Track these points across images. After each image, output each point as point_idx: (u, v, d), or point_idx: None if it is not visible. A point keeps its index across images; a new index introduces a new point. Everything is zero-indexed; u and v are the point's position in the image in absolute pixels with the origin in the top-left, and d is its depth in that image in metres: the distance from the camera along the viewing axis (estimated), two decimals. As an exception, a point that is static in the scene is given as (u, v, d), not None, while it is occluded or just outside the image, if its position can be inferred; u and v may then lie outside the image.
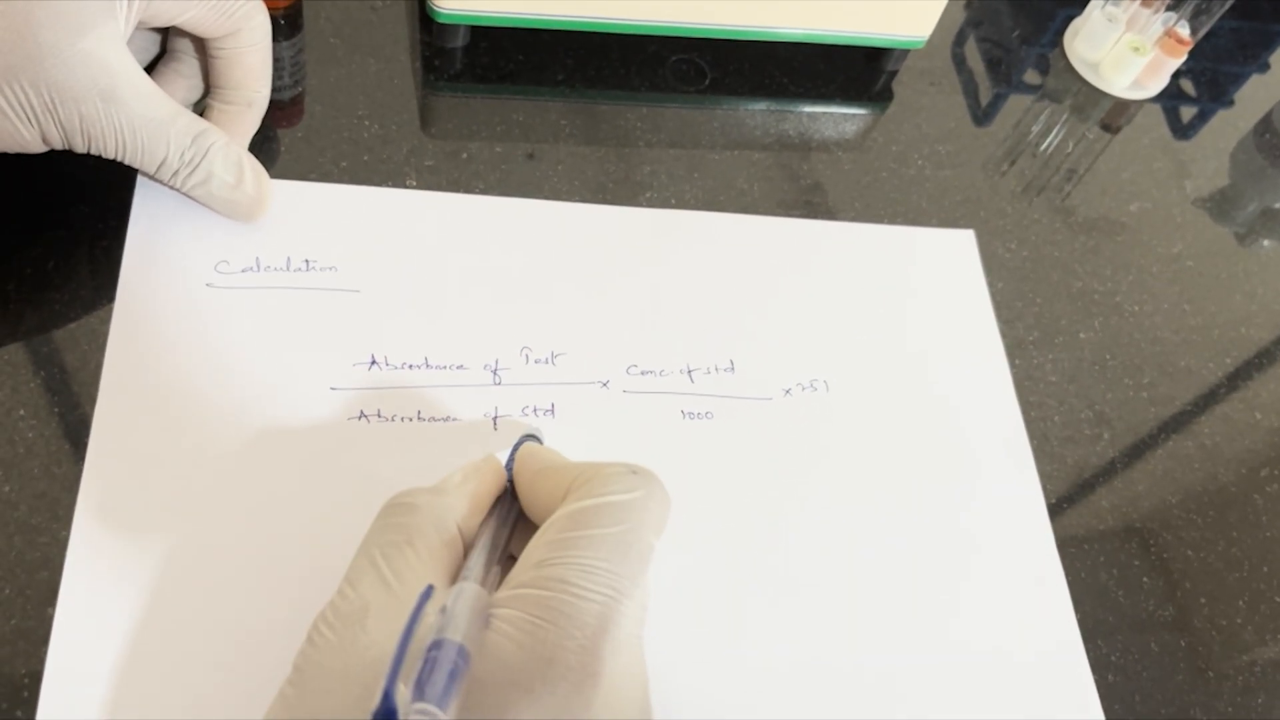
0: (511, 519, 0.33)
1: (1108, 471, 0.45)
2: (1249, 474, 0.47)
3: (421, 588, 0.28)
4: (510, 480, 0.34)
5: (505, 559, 0.32)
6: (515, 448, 0.35)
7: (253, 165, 0.40)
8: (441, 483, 0.32)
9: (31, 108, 0.34)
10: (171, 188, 0.39)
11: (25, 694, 0.32)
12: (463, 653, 0.25)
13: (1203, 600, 0.43)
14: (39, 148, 0.36)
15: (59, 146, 0.37)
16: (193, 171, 0.38)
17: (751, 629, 0.38)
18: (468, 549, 0.31)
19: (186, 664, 0.33)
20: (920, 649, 0.38)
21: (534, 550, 0.29)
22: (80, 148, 0.36)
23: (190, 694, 0.32)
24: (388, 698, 0.23)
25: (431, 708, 0.23)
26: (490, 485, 0.33)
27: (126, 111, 0.36)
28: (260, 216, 0.41)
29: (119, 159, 0.37)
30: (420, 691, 0.23)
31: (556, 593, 0.27)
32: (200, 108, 0.42)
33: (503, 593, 0.28)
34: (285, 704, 0.27)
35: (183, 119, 0.38)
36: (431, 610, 0.26)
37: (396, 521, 0.30)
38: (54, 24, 0.34)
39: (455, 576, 0.30)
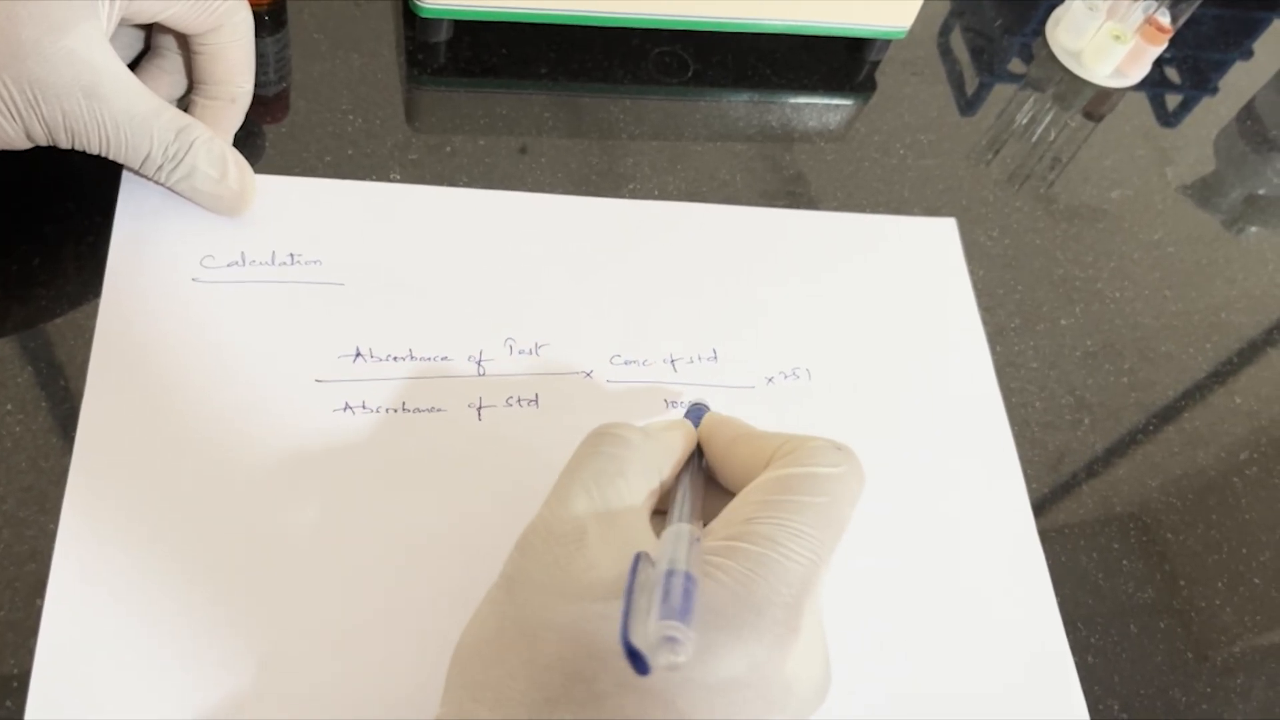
0: (702, 479, 0.35)
1: (1088, 456, 0.46)
2: (1228, 458, 0.47)
3: (632, 520, 0.30)
4: (697, 446, 0.35)
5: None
6: (689, 414, 0.37)
7: (236, 160, 0.40)
8: (649, 427, 0.34)
9: (14, 104, 0.35)
10: (156, 182, 0.40)
11: (15, 684, 0.32)
12: (693, 580, 0.26)
13: (1182, 583, 0.43)
14: (23, 144, 0.37)
15: (44, 143, 0.37)
16: (176, 166, 0.39)
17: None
18: (667, 498, 0.33)
19: (174, 654, 0.33)
20: (901, 632, 0.39)
21: (740, 509, 0.30)
22: (65, 144, 0.37)
23: (178, 684, 0.33)
24: (627, 624, 0.25)
25: (677, 624, 0.24)
26: (682, 441, 0.34)
27: (109, 107, 0.36)
28: (244, 211, 0.41)
29: (103, 154, 0.38)
30: (667, 610, 0.25)
31: (767, 550, 0.28)
32: (184, 104, 0.43)
33: (713, 543, 0.29)
34: (496, 608, 0.29)
35: (166, 114, 0.38)
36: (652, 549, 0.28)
37: (609, 451, 0.32)
38: (36, 21, 0.34)
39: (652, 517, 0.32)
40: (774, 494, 0.30)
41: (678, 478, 0.34)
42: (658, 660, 0.24)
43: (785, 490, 0.30)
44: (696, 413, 0.37)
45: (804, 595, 0.28)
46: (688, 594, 0.25)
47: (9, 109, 0.35)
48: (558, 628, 0.27)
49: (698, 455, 0.35)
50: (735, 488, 0.33)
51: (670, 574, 0.26)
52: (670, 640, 0.24)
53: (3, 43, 0.34)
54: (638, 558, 0.27)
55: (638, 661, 0.24)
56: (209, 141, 0.39)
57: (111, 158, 0.38)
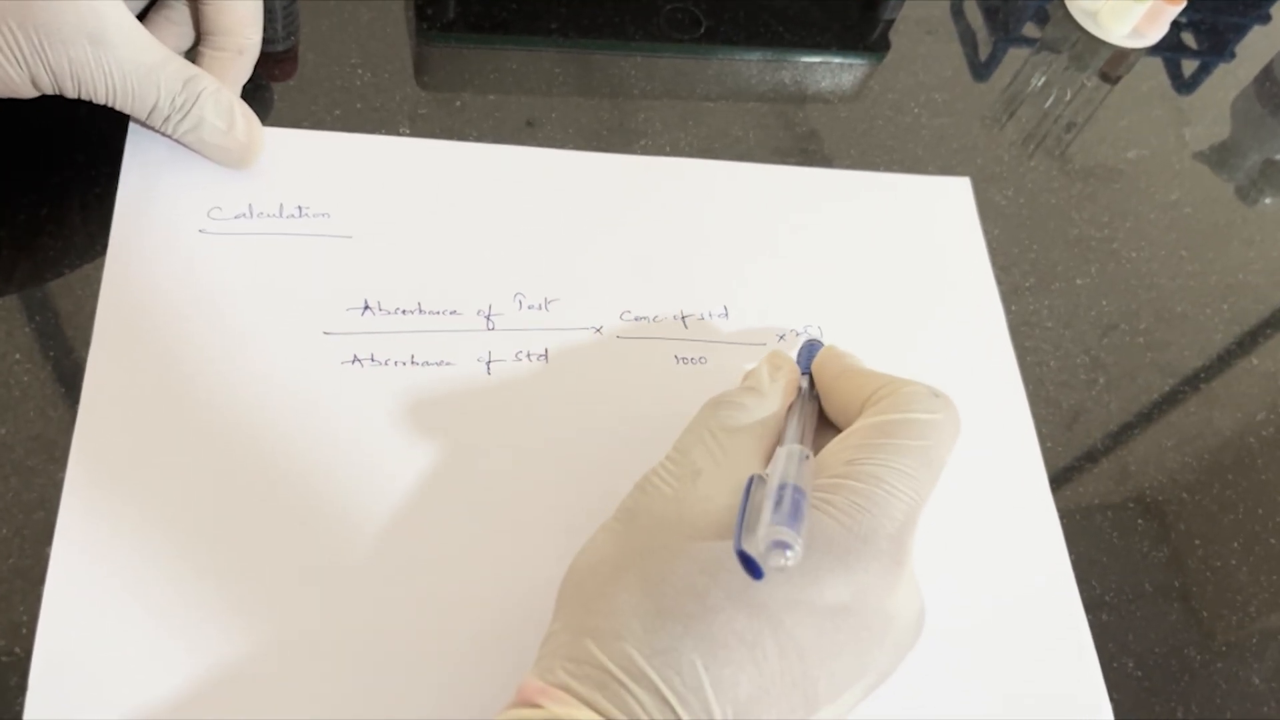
0: (814, 408, 0.36)
1: (1103, 416, 0.45)
2: (1244, 418, 0.47)
3: (745, 466, 0.32)
4: (809, 377, 0.37)
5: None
6: (801, 353, 0.37)
7: (244, 111, 0.40)
8: (753, 381, 0.35)
9: (20, 50, 0.35)
10: (163, 134, 0.39)
11: (23, 631, 0.32)
12: (801, 492, 0.28)
13: (1197, 542, 0.43)
14: (29, 92, 0.36)
15: (50, 91, 0.36)
16: (184, 117, 0.38)
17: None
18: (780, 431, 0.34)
19: (180, 602, 0.33)
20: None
21: (842, 450, 0.31)
22: (71, 92, 0.36)
23: (184, 632, 0.33)
24: (740, 533, 0.27)
25: (785, 529, 0.26)
26: (793, 381, 0.36)
27: (116, 56, 0.36)
28: (252, 163, 0.41)
29: (109, 104, 0.37)
30: (778, 517, 0.27)
31: (872, 486, 0.29)
32: (191, 55, 0.42)
33: (819, 481, 0.30)
34: (612, 537, 0.31)
35: (173, 64, 0.38)
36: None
37: (726, 414, 0.33)
38: None
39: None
40: (874, 438, 0.31)
41: (790, 407, 0.35)
42: (769, 563, 0.26)
43: (885, 434, 0.31)
44: (810, 350, 0.38)
45: (907, 530, 0.29)
46: (796, 504, 0.27)
47: (15, 55, 0.35)
48: (672, 548, 0.29)
49: (810, 386, 0.37)
50: (838, 421, 0.35)
51: (781, 486, 0.28)
52: (779, 544, 0.26)
53: None
54: (752, 478, 0.29)
55: (750, 566, 0.27)
56: (217, 93, 0.39)
57: (118, 108, 0.38)
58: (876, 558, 0.28)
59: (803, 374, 0.37)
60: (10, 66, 0.35)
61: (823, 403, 0.36)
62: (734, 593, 0.27)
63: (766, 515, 0.27)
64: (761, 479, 0.29)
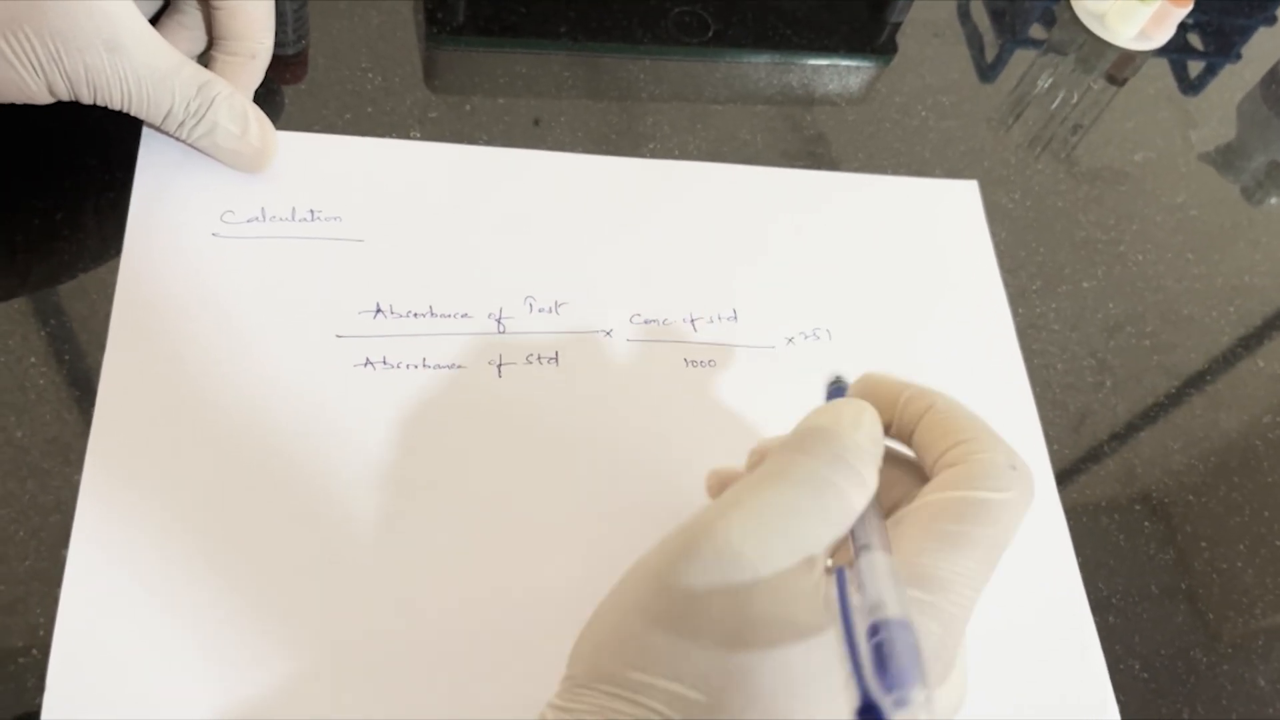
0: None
1: (1109, 418, 0.45)
2: (1250, 420, 0.47)
3: (816, 565, 0.27)
4: None
5: None
6: (831, 395, 0.33)
7: (258, 116, 0.40)
8: (864, 442, 0.29)
9: (36, 57, 0.35)
10: (177, 139, 0.40)
11: (41, 632, 0.32)
12: (907, 625, 0.24)
13: (1203, 544, 0.43)
14: (45, 98, 0.37)
15: (66, 98, 0.37)
16: (198, 122, 0.39)
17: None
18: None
19: (196, 602, 0.33)
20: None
21: (910, 535, 0.28)
22: (87, 99, 0.37)
23: (200, 632, 0.33)
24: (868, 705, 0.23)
25: (914, 693, 0.23)
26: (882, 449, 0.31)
27: (131, 61, 0.36)
28: (265, 167, 0.41)
29: (125, 109, 0.38)
30: (890, 682, 0.23)
31: (938, 598, 0.27)
32: (204, 60, 0.42)
33: None
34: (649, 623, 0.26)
35: (188, 69, 0.38)
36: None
37: (841, 488, 0.28)
38: None
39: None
40: (943, 523, 0.28)
41: None
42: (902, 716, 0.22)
43: (955, 519, 0.28)
44: (837, 391, 0.33)
45: (956, 640, 0.27)
46: (911, 644, 0.23)
47: (31, 62, 0.35)
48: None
49: None
50: (903, 442, 0.31)
51: (879, 626, 0.23)
52: (903, 703, 0.22)
53: None
54: (841, 576, 0.25)
55: (872, 713, 0.23)
56: (230, 97, 0.39)
57: (133, 113, 0.38)
58: (935, 681, 0.26)
59: None
60: (26, 73, 0.35)
61: (895, 427, 0.32)
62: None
63: (872, 666, 0.23)
64: (852, 584, 0.25)
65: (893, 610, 0.24)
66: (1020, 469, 0.29)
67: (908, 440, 0.31)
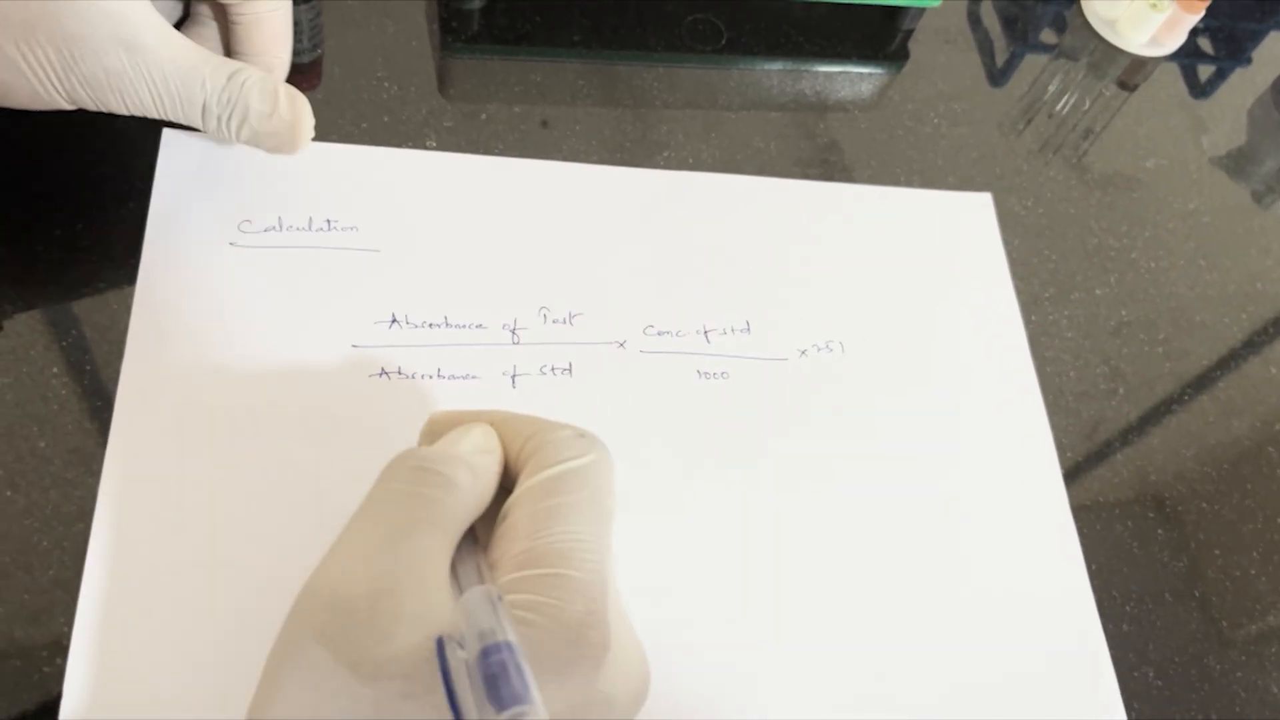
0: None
1: (1123, 426, 0.45)
2: (1263, 428, 0.47)
3: (434, 570, 0.27)
4: None
5: None
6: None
7: (289, 91, 0.38)
8: (463, 451, 0.30)
9: (51, 64, 0.34)
10: (218, 137, 0.38)
11: (65, 642, 0.32)
12: (514, 648, 0.24)
13: (1216, 552, 0.43)
14: (66, 105, 0.36)
15: (91, 106, 0.36)
16: (233, 112, 0.37)
17: (764, 589, 0.38)
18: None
19: (212, 611, 0.34)
20: (933, 604, 0.39)
21: (516, 527, 0.29)
22: (116, 106, 0.36)
23: (217, 642, 0.33)
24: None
25: (524, 709, 0.23)
26: (499, 462, 0.31)
27: (155, 59, 0.35)
28: (303, 144, 0.39)
29: (158, 113, 0.36)
30: (509, 695, 0.23)
31: (559, 567, 0.27)
32: None
33: (507, 576, 0.28)
34: (277, 688, 0.26)
35: (214, 60, 0.36)
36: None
37: (429, 496, 0.28)
38: None
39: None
40: (539, 501, 0.29)
41: None
42: None
43: (548, 494, 0.29)
44: None
45: (604, 604, 0.27)
46: (518, 667, 0.23)
47: (47, 70, 0.34)
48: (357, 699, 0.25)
49: None
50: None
51: (492, 649, 0.24)
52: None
53: (35, 2, 0.33)
54: (440, 642, 0.25)
55: None
56: (261, 80, 0.37)
57: (166, 115, 0.37)
58: (587, 653, 0.26)
59: None
60: (40, 82, 0.34)
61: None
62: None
63: (483, 692, 0.23)
64: (454, 641, 0.25)
65: (491, 637, 0.24)
66: (588, 436, 0.30)
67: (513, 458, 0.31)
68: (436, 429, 0.32)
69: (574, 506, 0.28)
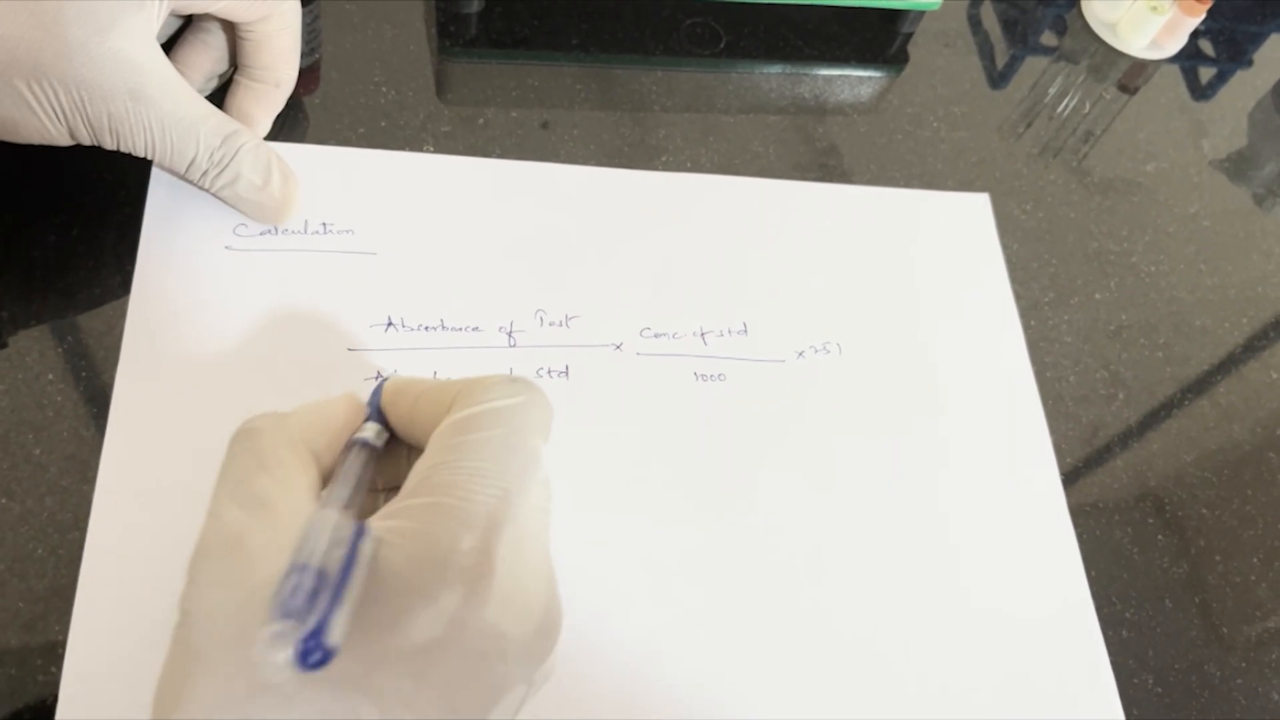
0: (376, 450, 0.32)
1: (1123, 431, 0.45)
2: (1264, 433, 0.47)
3: (292, 508, 0.28)
4: (380, 415, 0.33)
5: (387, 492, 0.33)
6: (372, 397, 0.34)
7: (281, 168, 0.40)
8: (293, 410, 0.32)
9: (60, 105, 0.34)
10: (199, 187, 0.39)
11: (60, 650, 0.32)
12: (319, 572, 0.24)
13: (1217, 558, 0.43)
14: (66, 142, 0.36)
15: (88, 143, 0.36)
16: (221, 171, 0.38)
17: (760, 590, 0.38)
18: (327, 478, 0.31)
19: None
20: (930, 607, 0.39)
21: (422, 460, 0.29)
22: (110, 145, 0.36)
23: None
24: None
25: (285, 625, 0.23)
26: (342, 412, 0.32)
27: (156, 110, 0.36)
28: (284, 221, 0.41)
29: (148, 157, 0.37)
30: (277, 609, 0.24)
31: (442, 498, 0.27)
32: (227, 84, 0.42)
33: (393, 504, 0.28)
34: (177, 646, 0.27)
35: (214, 119, 0.38)
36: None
37: (245, 447, 0.30)
38: (83, 21, 0.34)
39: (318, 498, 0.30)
40: (450, 437, 0.29)
41: (341, 455, 0.31)
42: (264, 669, 0.24)
43: (460, 431, 0.29)
44: (377, 393, 0.34)
45: (492, 534, 0.27)
46: (307, 590, 0.24)
47: (55, 110, 0.35)
48: (232, 643, 0.26)
49: (375, 428, 0.33)
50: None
51: (290, 569, 0.24)
52: (277, 641, 0.23)
53: (49, 44, 0.33)
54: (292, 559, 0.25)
55: (300, 658, 0.24)
56: (255, 149, 0.39)
57: (156, 161, 0.38)
58: (459, 578, 0.26)
59: (370, 420, 0.33)
60: (49, 121, 0.35)
61: (407, 435, 0.33)
62: (308, 675, 0.25)
63: (271, 608, 0.24)
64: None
65: (304, 559, 0.24)
66: (523, 382, 0.31)
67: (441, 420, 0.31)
68: (391, 392, 0.33)
69: (481, 443, 0.29)
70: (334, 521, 0.26)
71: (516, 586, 0.27)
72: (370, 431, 0.32)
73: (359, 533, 0.26)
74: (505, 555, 0.27)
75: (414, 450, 0.32)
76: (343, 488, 0.29)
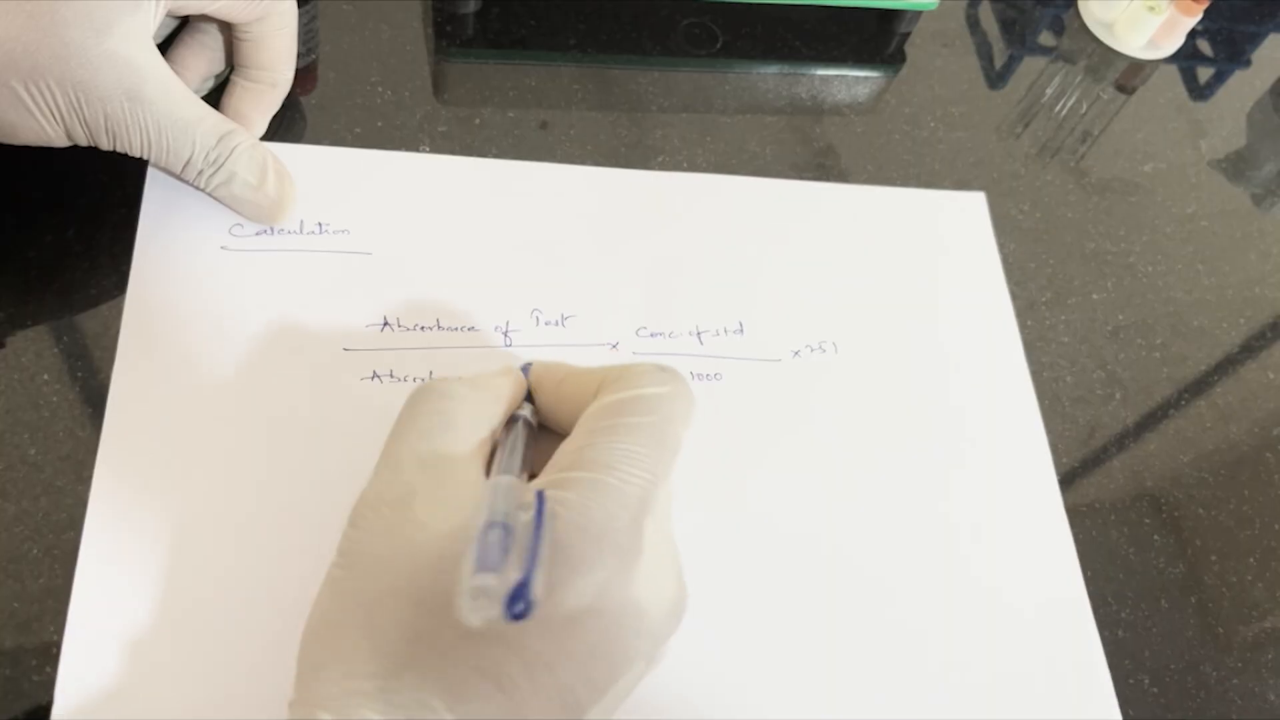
0: (531, 430, 0.34)
1: (1120, 431, 0.45)
2: (1261, 433, 0.47)
3: (464, 473, 0.30)
4: (529, 405, 0.35)
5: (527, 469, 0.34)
6: (523, 371, 0.35)
7: (277, 168, 0.40)
8: (474, 378, 0.33)
9: (57, 106, 0.35)
10: (195, 187, 0.39)
11: (54, 650, 0.32)
12: (509, 530, 0.26)
13: (1213, 558, 0.43)
14: (63, 143, 0.37)
15: (84, 144, 0.37)
16: (216, 171, 0.38)
17: (756, 589, 0.38)
18: (494, 449, 0.32)
19: (204, 619, 0.33)
20: (925, 607, 0.39)
21: (574, 438, 0.30)
22: (106, 145, 0.36)
23: (208, 650, 0.33)
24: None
25: (488, 575, 0.25)
26: (518, 389, 0.34)
27: (153, 111, 0.36)
28: (282, 220, 0.41)
29: (144, 157, 0.37)
30: (481, 563, 0.25)
31: (602, 475, 0.29)
32: (224, 84, 0.42)
33: (550, 475, 0.29)
34: (335, 586, 0.29)
35: (210, 120, 0.38)
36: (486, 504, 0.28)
37: (433, 407, 0.31)
38: (80, 22, 0.34)
39: (488, 471, 0.31)
40: (603, 419, 0.30)
41: (506, 430, 0.33)
42: (470, 616, 0.25)
43: (614, 414, 0.30)
44: (526, 368, 0.36)
45: (643, 515, 0.28)
46: (501, 546, 0.25)
47: (52, 111, 0.35)
48: (394, 592, 0.27)
49: (530, 407, 0.35)
50: (570, 429, 0.32)
51: (488, 527, 0.26)
52: (482, 593, 0.25)
53: (46, 45, 0.33)
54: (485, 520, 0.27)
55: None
56: (251, 148, 0.39)
57: (152, 161, 0.38)
58: (614, 553, 0.28)
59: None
60: (46, 121, 0.35)
61: (549, 418, 0.34)
62: (466, 630, 0.26)
63: (469, 563, 0.25)
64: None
65: (493, 517, 0.26)
66: (671, 371, 0.32)
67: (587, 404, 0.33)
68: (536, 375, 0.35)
69: (634, 428, 0.30)
70: (515, 486, 0.28)
71: (657, 567, 0.29)
72: (528, 410, 0.34)
73: (543, 498, 0.27)
74: (651, 536, 0.29)
75: (550, 434, 0.34)
76: (513, 458, 0.31)
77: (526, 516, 0.27)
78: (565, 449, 0.31)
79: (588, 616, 0.27)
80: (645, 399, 0.31)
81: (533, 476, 0.31)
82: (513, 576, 0.25)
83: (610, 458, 0.29)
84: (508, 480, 0.29)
